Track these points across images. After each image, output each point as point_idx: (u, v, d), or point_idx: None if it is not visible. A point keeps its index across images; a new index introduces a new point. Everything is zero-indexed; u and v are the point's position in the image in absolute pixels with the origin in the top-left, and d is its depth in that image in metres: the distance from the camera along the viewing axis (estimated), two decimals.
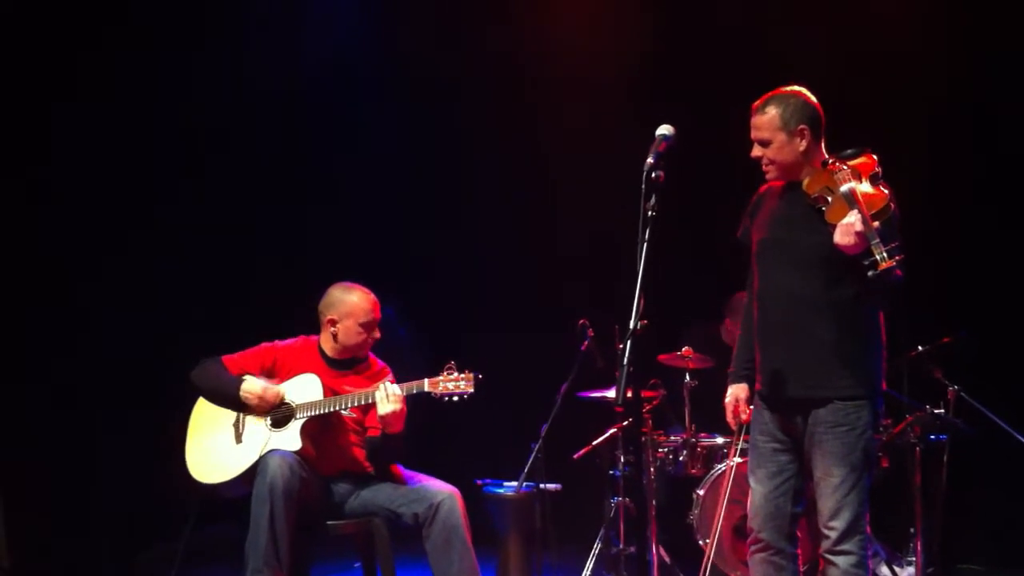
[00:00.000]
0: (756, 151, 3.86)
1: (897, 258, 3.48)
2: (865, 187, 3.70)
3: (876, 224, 3.56)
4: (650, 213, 3.30)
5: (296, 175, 7.19)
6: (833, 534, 3.70)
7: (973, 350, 5.27)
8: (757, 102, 3.88)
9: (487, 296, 7.19)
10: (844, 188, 3.68)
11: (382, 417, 4.51)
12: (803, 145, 3.81)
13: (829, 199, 3.70)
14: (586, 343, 5.32)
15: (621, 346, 3.22)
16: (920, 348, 5.24)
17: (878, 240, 3.51)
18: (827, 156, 3.83)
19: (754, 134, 3.86)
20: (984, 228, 6.32)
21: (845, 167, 3.76)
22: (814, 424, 3.74)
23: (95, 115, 6.38)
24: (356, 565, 5.09)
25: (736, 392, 4.07)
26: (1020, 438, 5.05)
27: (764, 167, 3.89)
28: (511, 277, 7.12)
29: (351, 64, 7.36)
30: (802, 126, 3.80)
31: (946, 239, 6.26)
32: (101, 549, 6.17)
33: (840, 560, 3.70)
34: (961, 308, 6.04)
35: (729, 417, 4.10)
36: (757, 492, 3.87)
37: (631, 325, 3.20)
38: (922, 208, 6.12)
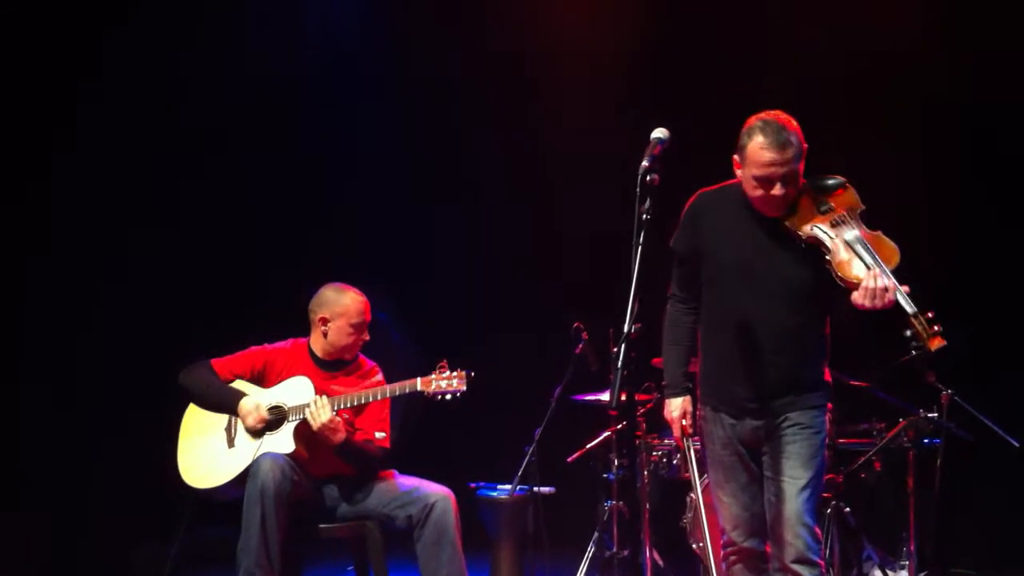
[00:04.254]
0: (779, 190, 3.52)
1: (937, 328, 3.31)
2: (866, 234, 3.49)
3: (907, 288, 3.35)
4: (644, 216, 3.25)
5: (295, 175, 7.18)
6: (799, 542, 3.62)
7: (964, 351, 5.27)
8: (768, 133, 3.52)
9: (482, 298, 7.19)
10: (849, 235, 3.48)
11: (317, 431, 4.47)
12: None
13: (828, 244, 3.47)
14: (580, 346, 5.30)
15: (615, 349, 3.20)
16: (914, 352, 5.21)
17: (915, 311, 3.30)
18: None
19: (780, 170, 3.51)
20: (981, 230, 6.31)
21: (832, 204, 3.55)
22: (782, 428, 3.69)
23: (94, 115, 6.38)
24: (348, 568, 5.07)
25: (685, 406, 3.89)
26: (1014, 442, 5.04)
27: (771, 204, 3.56)
28: (507, 279, 7.11)
29: (351, 64, 7.36)
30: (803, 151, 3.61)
31: (943, 241, 6.26)
32: (100, 547, 6.16)
33: (807, 571, 3.63)
34: (956, 312, 6.03)
35: (678, 432, 3.93)
36: (733, 505, 3.80)
37: (625, 328, 3.18)
38: (919, 209, 6.14)
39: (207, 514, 4.82)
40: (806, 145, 3.60)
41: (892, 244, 3.50)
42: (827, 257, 3.50)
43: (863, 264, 3.43)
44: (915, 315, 3.31)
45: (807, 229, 3.55)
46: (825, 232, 3.53)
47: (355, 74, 7.45)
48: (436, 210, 7.39)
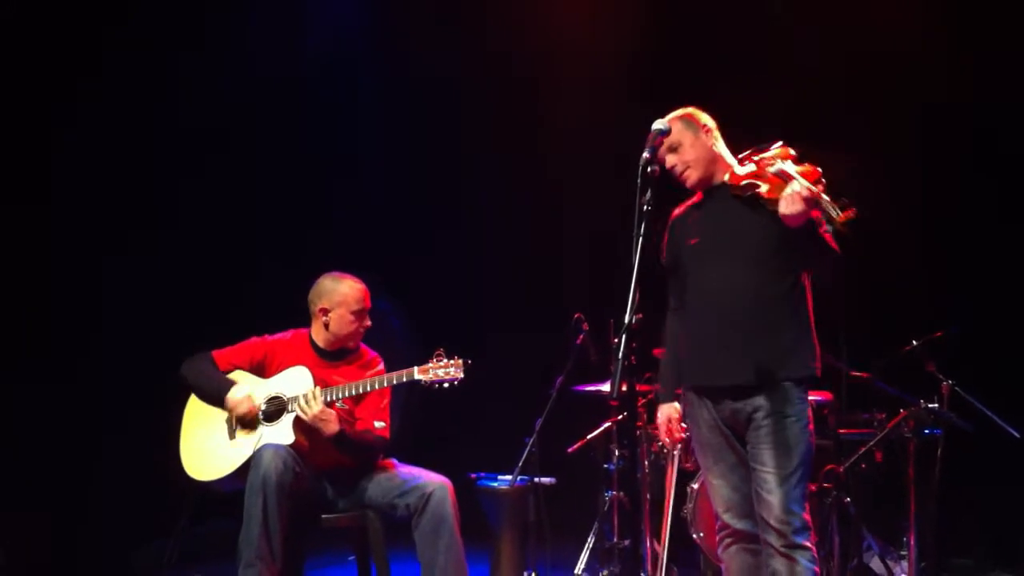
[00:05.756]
0: (670, 160, 3.87)
1: (852, 208, 3.49)
2: (791, 166, 3.71)
3: (820, 188, 3.56)
4: (645, 207, 3.31)
5: (295, 175, 7.20)
6: (788, 529, 3.68)
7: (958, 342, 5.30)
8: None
9: (482, 293, 7.21)
10: (774, 168, 3.70)
11: (310, 422, 4.49)
12: (711, 141, 3.88)
13: (761, 183, 3.71)
14: (581, 337, 5.31)
15: (616, 340, 3.22)
16: (914, 342, 5.24)
17: (828, 199, 3.52)
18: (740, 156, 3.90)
19: (662, 149, 3.84)
20: (979, 224, 6.34)
21: (767, 158, 3.80)
22: (763, 414, 3.73)
23: (94, 115, 6.38)
24: (350, 558, 5.09)
25: (669, 412, 4.11)
26: (1014, 432, 5.06)
27: (682, 174, 3.89)
28: (507, 277, 7.13)
29: (351, 64, 7.38)
30: (705, 124, 3.89)
31: (942, 234, 6.28)
32: (100, 547, 6.17)
33: (800, 555, 3.68)
34: (955, 303, 6.06)
35: (664, 436, 4.15)
36: (723, 487, 3.88)
37: (626, 319, 3.20)
38: (919, 203, 6.16)
39: (208, 506, 4.82)
40: (705, 126, 3.90)
41: (810, 166, 3.69)
42: (760, 191, 3.71)
43: (788, 185, 3.63)
44: (827, 202, 3.53)
45: (740, 180, 3.79)
46: (757, 175, 3.76)
47: (355, 74, 7.48)
48: (435, 210, 7.40)
